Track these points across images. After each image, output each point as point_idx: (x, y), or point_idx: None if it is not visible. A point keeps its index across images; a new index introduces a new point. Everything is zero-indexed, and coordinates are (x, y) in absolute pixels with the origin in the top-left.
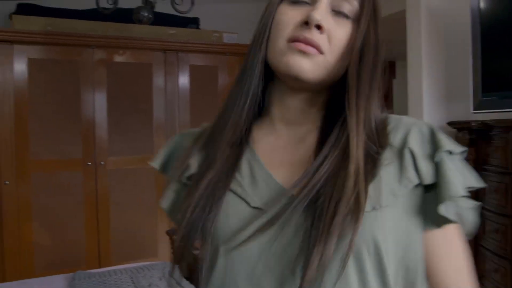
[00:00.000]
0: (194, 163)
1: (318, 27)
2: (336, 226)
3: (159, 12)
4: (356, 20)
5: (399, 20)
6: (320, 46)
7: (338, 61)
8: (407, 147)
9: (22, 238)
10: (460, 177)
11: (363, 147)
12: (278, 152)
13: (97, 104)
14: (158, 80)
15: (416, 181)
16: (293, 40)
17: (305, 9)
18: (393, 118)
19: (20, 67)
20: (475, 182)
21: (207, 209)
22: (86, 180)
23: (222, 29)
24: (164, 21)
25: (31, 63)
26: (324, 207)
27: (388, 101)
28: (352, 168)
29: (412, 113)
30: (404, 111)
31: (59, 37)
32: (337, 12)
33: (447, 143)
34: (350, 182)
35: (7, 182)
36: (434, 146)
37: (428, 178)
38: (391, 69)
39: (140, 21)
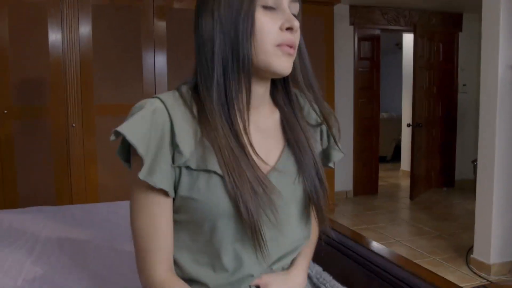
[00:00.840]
0: (191, 150)
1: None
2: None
3: None
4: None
5: None
6: (296, 45)
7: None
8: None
9: (87, 178)
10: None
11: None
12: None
13: (157, 50)
14: None
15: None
16: (282, 44)
17: (277, 15)
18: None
19: (84, 14)
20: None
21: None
22: None
23: None
24: None
25: (95, 9)
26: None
27: (453, 55)
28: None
29: (485, 56)
30: (470, 64)
31: None
32: (293, 14)
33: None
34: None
35: (74, 125)
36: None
37: (325, 145)
38: (458, 22)
39: None
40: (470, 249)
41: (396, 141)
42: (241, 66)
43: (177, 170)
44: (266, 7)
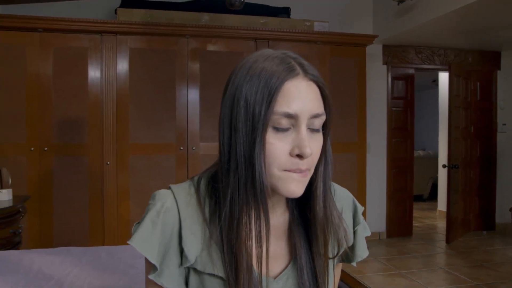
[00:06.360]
0: (197, 254)
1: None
2: None
3: (250, 3)
4: (323, 125)
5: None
6: (310, 168)
7: (315, 165)
8: (345, 223)
9: (119, 215)
10: (364, 241)
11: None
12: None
13: (191, 91)
14: None
15: (349, 244)
16: (289, 171)
17: (290, 137)
18: (334, 188)
19: (122, 56)
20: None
21: None
22: (179, 164)
23: (313, 18)
24: (255, 11)
25: (132, 52)
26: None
27: (491, 94)
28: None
29: None
30: (510, 103)
31: (156, 27)
32: (312, 130)
33: (361, 217)
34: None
35: (108, 163)
36: (355, 220)
37: (350, 243)
38: (495, 60)
39: (231, 5)
40: None
41: (433, 180)
42: (256, 186)
43: (186, 269)
44: (277, 128)
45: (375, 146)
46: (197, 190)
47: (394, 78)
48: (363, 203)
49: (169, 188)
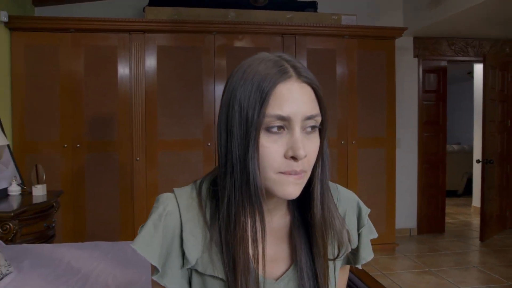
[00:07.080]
0: (198, 256)
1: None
2: None
3: None
4: (320, 124)
5: None
6: (306, 169)
7: (312, 166)
8: (347, 226)
9: (149, 210)
10: (369, 244)
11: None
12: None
13: (218, 87)
14: None
15: (353, 247)
16: (284, 173)
17: (284, 139)
18: (337, 190)
19: (150, 54)
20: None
21: None
22: (206, 160)
23: (340, 12)
24: (281, 6)
25: (160, 50)
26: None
27: None
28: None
29: None
30: None
31: (183, 24)
32: (307, 131)
33: (366, 219)
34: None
35: (137, 159)
36: (360, 222)
37: (355, 245)
38: None
39: (255, 1)
40: None
41: (468, 175)
42: (251, 190)
43: (189, 270)
44: (270, 131)
45: (406, 141)
46: (199, 193)
47: (425, 71)
48: (392, 198)
49: (173, 191)
